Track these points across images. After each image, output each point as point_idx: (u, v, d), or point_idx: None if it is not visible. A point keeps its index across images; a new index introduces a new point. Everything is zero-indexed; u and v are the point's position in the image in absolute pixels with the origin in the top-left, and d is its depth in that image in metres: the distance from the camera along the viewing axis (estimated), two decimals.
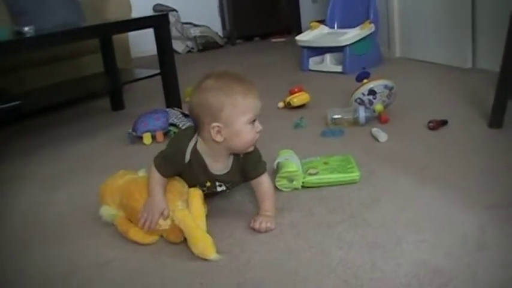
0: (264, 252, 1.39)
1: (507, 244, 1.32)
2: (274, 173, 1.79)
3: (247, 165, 1.56)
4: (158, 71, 2.84)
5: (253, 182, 1.58)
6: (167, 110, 2.58)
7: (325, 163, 1.84)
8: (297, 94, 2.79)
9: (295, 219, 1.55)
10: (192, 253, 1.38)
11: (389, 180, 1.76)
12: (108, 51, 3.04)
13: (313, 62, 3.87)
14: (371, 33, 3.68)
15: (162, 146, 1.62)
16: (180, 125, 2.43)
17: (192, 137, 1.53)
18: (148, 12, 5.12)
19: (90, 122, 2.98)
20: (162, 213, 1.46)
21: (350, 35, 3.60)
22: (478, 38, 3.28)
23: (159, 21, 2.78)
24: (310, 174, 1.76)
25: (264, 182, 1.57)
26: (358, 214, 1.54)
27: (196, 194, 1.51)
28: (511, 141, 2.00)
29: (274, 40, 5.83)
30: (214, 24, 5.80)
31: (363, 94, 2.44)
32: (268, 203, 1.55)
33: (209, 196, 1.61)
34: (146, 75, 2.95)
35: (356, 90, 2.47)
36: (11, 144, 2.68)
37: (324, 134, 2.32)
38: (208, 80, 1.46)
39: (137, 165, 1.76)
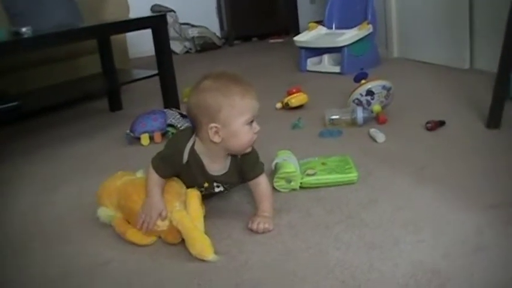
0: (261, 253, 1.39)
1: (505, 245, 1.32)
2: (272, 173, 1.79)
3: (245, 166, 1.56)
4: (156, 71, 2.83)
5: (251, 183, 1.58)
6: (165, 110, 2.57)
7: (323, 164, 1.84)
8: (295, 95, 2.79)
9: (293, 219, 1.55)
10: (190, 254, 1.38)
11: (387, 181, 1.76)
12: (106, 52, 3.04)
13: (311, 63, 3.87)
14: (369, 34, 3.69)
15: (160, 147, 1.62)
16: (178, 126, 2.43)
17: (190, 137, 1.53)
18: (146, 12, 5.13)
19: (88, 123, 2.98)
20: (160, 214, 1.46)
21: (348, 36, 3.61)
22: (476, 39, 3.28)
23: (157, 22, 2.77)
24: (308, 175, 1.77)
25: (261, 182, 1.58)
26: (356, 215, 1.54)
27: (194, 195, 1.51)
28: (508, 141, 2.01)
29: (272, 41, 5.83)
30: (212, 25, 5.80)
31: (361, 95, 2.44)
32: (266, 204, 1.55)
33: (207, 197, 1.61)
34: (144, 75, 2.95)
35: (354, 90, 2.48)
36: (11, 144, 2.68)
37: (321, 134, 2.32)
38: (206, 81, 1.47)
39: (135, 166, 1.76)
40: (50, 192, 1.97)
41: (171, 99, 2.81)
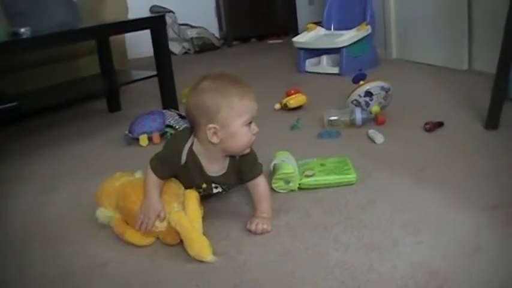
0: (260, 254, 1.39)
1: (503, 246, 1.32)
2: (271, 174, 1.79)
3: (243, 167, 1.56)
4: (155, 72, 2.83)
5: (249, 183, 1.58)
6: (164, 111, 2.57)
7: (322, 165, 1.84)
8: (293, 96, 2.79)
9: (291, 220, 1.55)
10: (189, 255, 1.38)
11: (385, 182, 1.76)
12: (104, 53, 3.03)
13: (310, 64, 3.87)
14: (367, 35, 3.69)
15: (158, 148, 1.62)
16: (177, 127, 2.42)
17: (188, 138, 1.53)
18: (145, 13, 5.12)
19: (87, 123, 2.98)
20: (158, 215, 1.46)
21: (347, 37, 3.61)
22: (474, 40, 3.28)
23: (156, 23, 2.78)
24: (307, 176, 1.77)
25: (260, 183, 1.58)
26: (355, 216, 1.54)
27: (193, 196, 1.50)
28: (507, 142, 2.01)
29: (270, 42, 5.83)
30: (211, 26, 5.79)
31: (360, 96, 2.44)
32: (264, 205, 1.55)
33: (205, 198, 1.61)
34: (143, 76, 2.94)
35: (352, 91, 2.48)
36: (10, 144, 2.68)
37: (320, 135, 2.32)
38: (205, 82, 1.46)
39: (133, 167, 1.76)
40: (49, 193, 1.97)
41: (169, 100, 2.81)
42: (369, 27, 3.68)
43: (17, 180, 2.14)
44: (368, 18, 3.73)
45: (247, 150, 1.53)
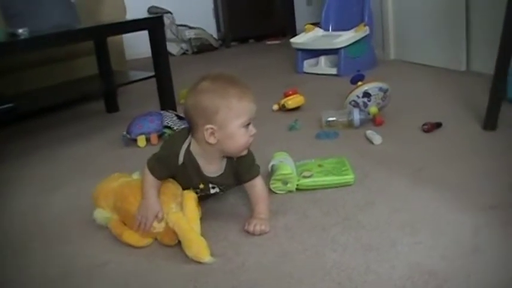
0: (258, 255, 1.39)
1: (502, 246, 1.32)
2: (269, 175, 1.78)
3: (241, 168, 1.56)
4: (153, 73, 2.83)
5: (247, 184, 1.58)
6: (162, 112, 2.57)
7: (320, 165, 1.84)
8: (291, 96, 2.79)
9: (289, 221, 1.55)
10: (186, 256, 1.38)
11: (383, 183, 1.76)
12: (102, 53, 3.03)
13: (308, 65, 3.87)
14: (366, 36, 3.69)
15: (156, 149, 1.62)
16: (175, 128, 2.42)
17: (186, 138, 1.53)
18: (143, 14, 5.11)
19: (86, 124, 2.97)
20: (156, 216, 1.46)
21: (345, 38, 3.61)
22: (473, 41, 3.29)
23: (154, 24, 2.77)
24: (305, 177, 1.76)
25: (257, 184, 1.57)
26: (353, 216, 1.54)
27: (190, 197, 1.50)
28: (505, 143, 2.01)
29: (269, 42, 5.83)
30: (209, 27, 5.80)
31: (358, 96, 2.44)
32: (262, 206, 1.55)
33: (203, 198, 1.61)
34: (141, 77, 2.94)
35: (351, 92, 2.48)
36: (9, 145, 2.68)
37: (318, 136, 2.32)
38: (203, 82, 1.46)
39: (131, 168, 1.76)
40: (48, 193, 1.97)
41: (167, 101, 2.81)
42: (367, 28, 3.68)
43: (16, 180, 2.14)
44: (366, 19, 3.74)
45: (245, 152, 1.52)
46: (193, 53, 5.50)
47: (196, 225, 1.44)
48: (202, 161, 1.52)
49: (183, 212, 1.46)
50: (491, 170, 1.77)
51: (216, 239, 1.47)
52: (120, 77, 3.12)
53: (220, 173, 1.56)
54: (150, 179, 1.50)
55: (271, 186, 1.74)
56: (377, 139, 2.16)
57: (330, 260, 1.32)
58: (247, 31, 5.96)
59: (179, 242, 1.41)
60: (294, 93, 2.82)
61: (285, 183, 1.75)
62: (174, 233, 1.42)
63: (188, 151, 1.51)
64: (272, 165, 1.82)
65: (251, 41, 6.07)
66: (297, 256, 1.36)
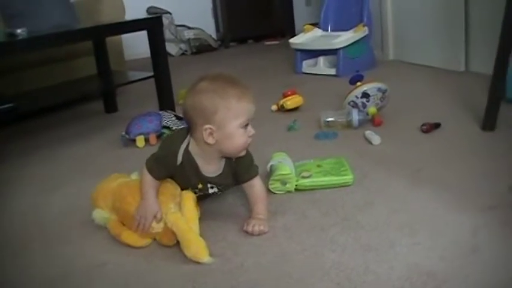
0: (257, 255, 1.38)
1: (501, 246, 1.32)
2: (268, 175, 1.78)
3: (239, 168, 1.56)
4: (152, 73, 2.83)
5: (245, 185, 1.58)
6: (160, 112, 2.57)
7: (319, 166, 1.84)
8: (290, 97, 2.79)
9: (288, 222, 1.55)
10: (185, 256, 1.37)
11: (382, 183, 1.76)
12: (101, 54, 3.03)
13: (307, 65, 3.88)
14: (364, 36, 3.69)
15: (155, 149, 1.62)
16: (174, 128, 2.42)
17: (185, 138, 1.53)
18: (142, 14, 5.11)
19: (85, 124, 2.97)
20: (155, 216, 1.46)
21: (343, 38, 3.61)
22: (471, 41, 3.29)
23: (153, 24, 2.77)
24: (304, 177, 1.76)
25: (256, 185, 1.57)
26: (352, 217, 1.54)
27: (189, 197, 1.50)
28: (504, 143, 2.01)
29: (267, 43, 5.83)
30: (208, 27, 5.80)
31: (357, 97, 2.44)
32: (260, 206, 1.55)
33: (201, 199, 1.61)
34: (139, 77, 2.94)
35: (349, 93, 2.48)
36: (9, 145, 2.68)
37: (317, 136, 2.32)
38: (202, 82, 1.46)
39: (130, 168, 1.76)
40: (48, 194, 1.97)
41: (166, 101, 2.81)
42: (365, 28, 3.68)
43: (16, 180, 2.14)
44: (365, 19, 3.74)
45: (243, 153, 1.52)
46: (192, 53, 5.50)
47: (195, 225, 1.44)
48: (200, 161, 1.52)
49: (181, 212, 1.46)
50: (490, 171, 1.77)
51: (214, 239, 1.47)
52: (119, 77, 3.12)
53: (218, 173, 1.56)
54: (149, 179, 1.50)
55: (270, 187, 1.74)
56: (376, 139, 2.16)
57: (329, 260, 1.32)
58: (246, 31, 5.96)
59: (178, 242, 1.41)
60: (293, 93, 2.82)
61: (284, 183, 1.75)
62: (173, 233, 1.42)
63: (187, 151, 1.51)
64: (271, 166, 1.82)
65: (250, 41, 6.07)
66: (295, 256, 1.36)
